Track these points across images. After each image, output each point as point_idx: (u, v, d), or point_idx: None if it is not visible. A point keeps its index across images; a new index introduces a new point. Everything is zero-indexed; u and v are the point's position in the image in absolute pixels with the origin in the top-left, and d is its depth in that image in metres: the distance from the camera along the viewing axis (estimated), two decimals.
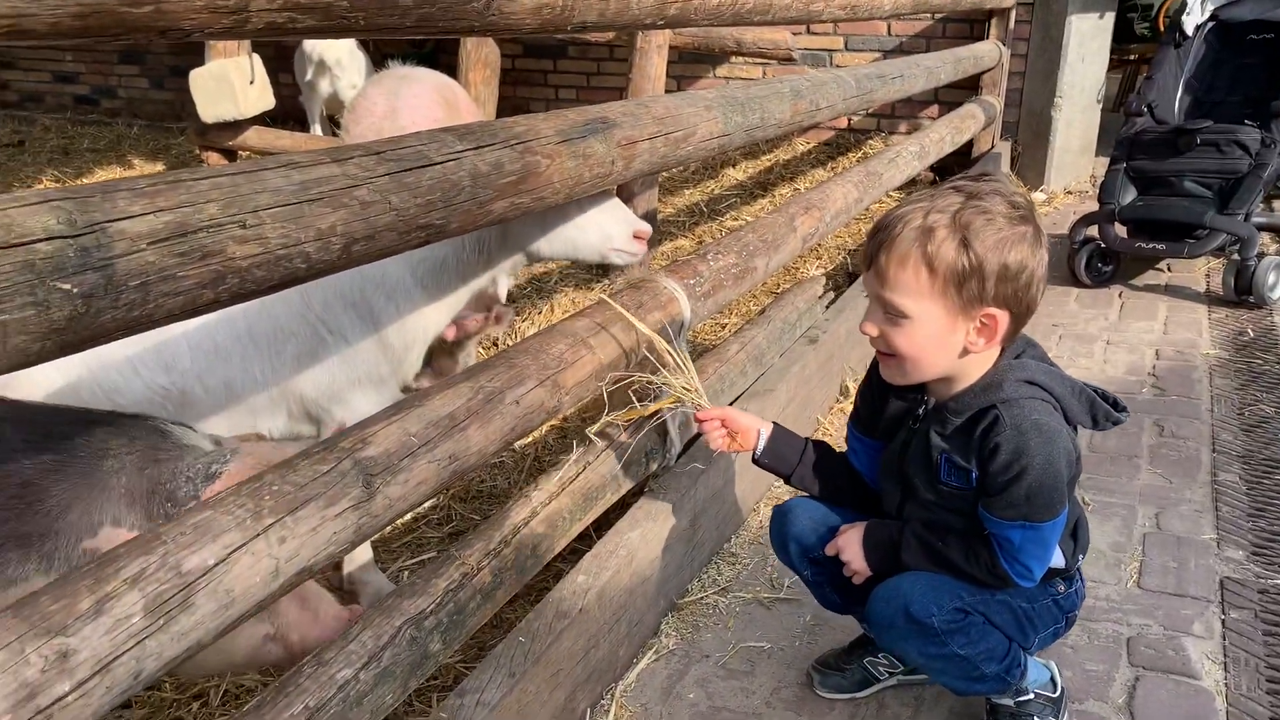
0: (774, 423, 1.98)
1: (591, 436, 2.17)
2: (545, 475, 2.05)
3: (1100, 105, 5.94)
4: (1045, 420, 1.56)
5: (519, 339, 3.82)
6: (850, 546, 1.80)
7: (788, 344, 3.09)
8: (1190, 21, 4.42)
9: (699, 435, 2.56)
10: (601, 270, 4.56)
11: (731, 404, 2.71)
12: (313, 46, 5.99)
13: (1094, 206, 4.57)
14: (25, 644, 1.02)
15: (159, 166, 6.85)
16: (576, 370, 1.89)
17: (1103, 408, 1.67)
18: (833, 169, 6.10)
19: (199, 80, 5.30)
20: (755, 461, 1.97)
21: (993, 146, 5.79)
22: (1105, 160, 4.65)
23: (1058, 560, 1.74)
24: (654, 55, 4.46)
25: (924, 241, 1.52)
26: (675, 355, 2.03)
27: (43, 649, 1.03)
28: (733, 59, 6.51)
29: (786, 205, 3.06)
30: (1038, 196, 5.86)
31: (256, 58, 5.47)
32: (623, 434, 2.23)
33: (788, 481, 1.99)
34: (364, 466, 1.42)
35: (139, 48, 8.38)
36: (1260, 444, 3.05)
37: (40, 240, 0.96)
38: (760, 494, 2.80)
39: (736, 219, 5.32)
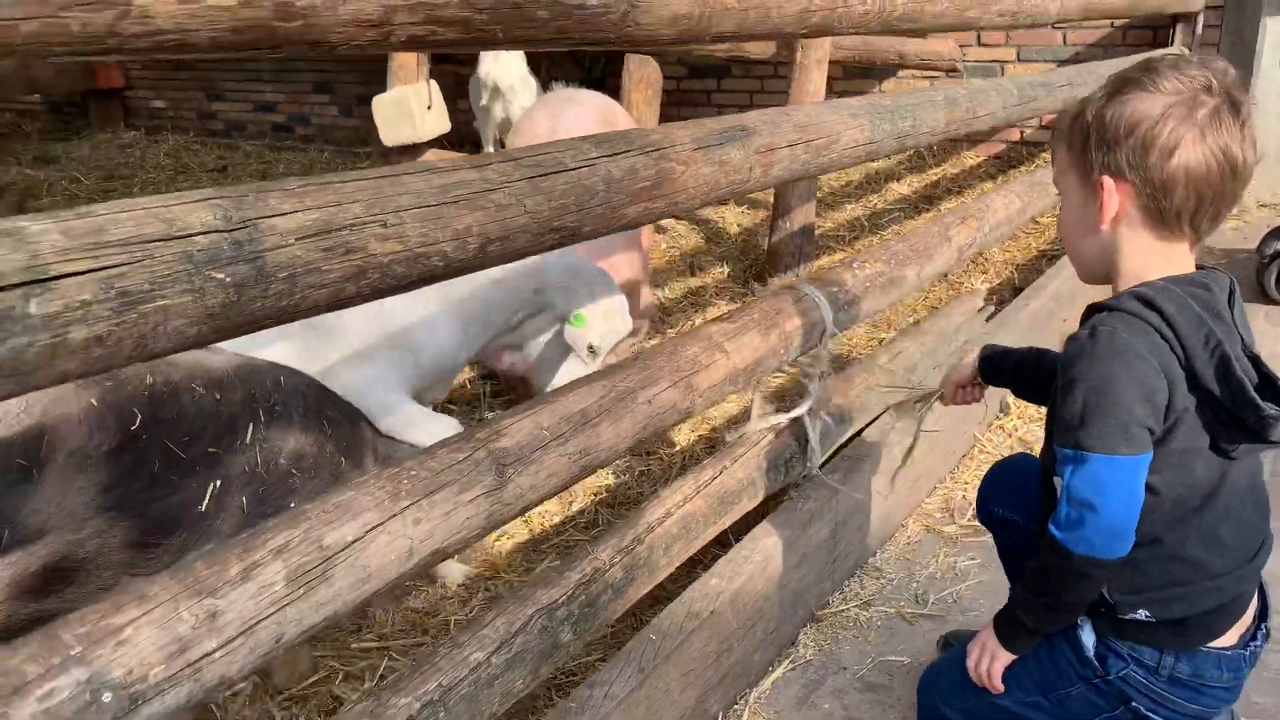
0: (981, 347, 1.92)
1: (728, 440, 2.18)
2: (681, 478, 2.08)
3: None
4: (1124, 337, 1.35)
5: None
6: (980, 654, 1.57)
7: (943, 357, 3.02)
8: None
9: (843, 446, 2.54)
10: (757, 282, 4.57)
11: (877, 418, 2.67)
12: (487, 73, 6.24)
13: None
14: (179, 603, 1.12)
15: None
16: (710, 373, 1.92)
17: (1237, 381, 1.34)
18: (1003, 183, 5.90)
19: (380, 106, 5.61)
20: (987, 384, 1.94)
21: None
22: None
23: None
24: (813, 70, 4.45)
25: (1064, 115, 1.51)
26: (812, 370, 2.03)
27: (194, 608, 1.13)
28: (899, 74, 6.40)
29: (942, 215, 2.99)
30: None
31: (434, 84, 5.75)
32: (762, 441, 2.23)
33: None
34: (497, 456, 1.48)
35: (330, 79, 8.94)
36: None
37: (198, 234, 1.06)
38: (911, 509, 2.74)
39: (899, 234, 5.23)
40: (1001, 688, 1.54)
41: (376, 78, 7.90)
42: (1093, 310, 1.44)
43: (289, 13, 1.10)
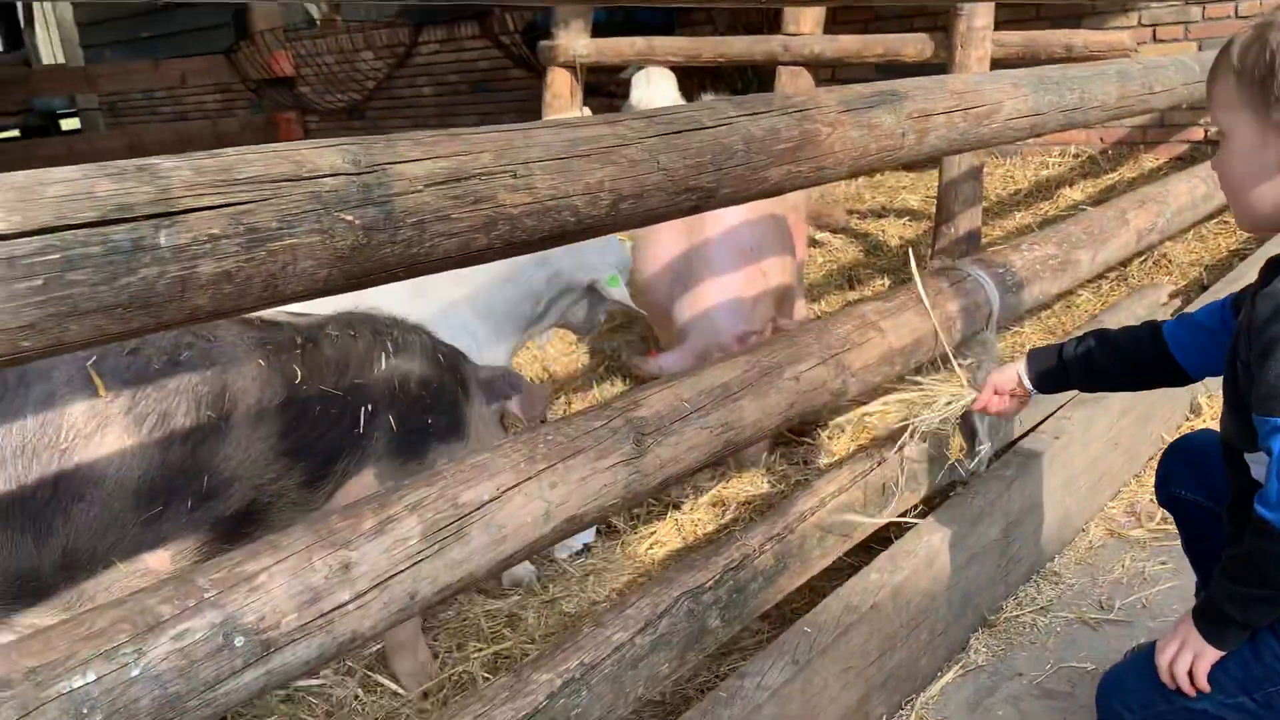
0: (1028, 351, 1.78)
1: (872, 422, 2.07)
2: (837, 468, 1.97)
3: None
4: None
5: None
6: (1179, 652, 1.40)
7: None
8: None
9: (1017, 440, 2.37)
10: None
11: (1055, 411, 2.49)
12: (639, 98, 6.30)
13: None
14: (313, 553, 1.11)
15: None
16: (864, 352, 1.82)
17: None
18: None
19: None
20: (1039, 391, 1.77)
21: None
22: None
23: None
24: (974, 69, 4.28)
25: (1230, 49, 1.34)
26: (957, 363, 1.88)
27: (328, 559, 1.11)
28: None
29: (1119, 199, 2.79)
30: None
31: (589, 111, 5.85)
32: (925, 430, 2.10)
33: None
34: (635, 425, 1.43)
35: (492, 119, 9.23)
36: None
37: (326, 175, 1.05)
38: (1092, 512, 2.54)
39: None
40: (1208, 688, 1.37)
41: (535, 115, 8.12)
42: (1278, 264, 1.29)
43: None
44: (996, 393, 1.77)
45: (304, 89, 9.96)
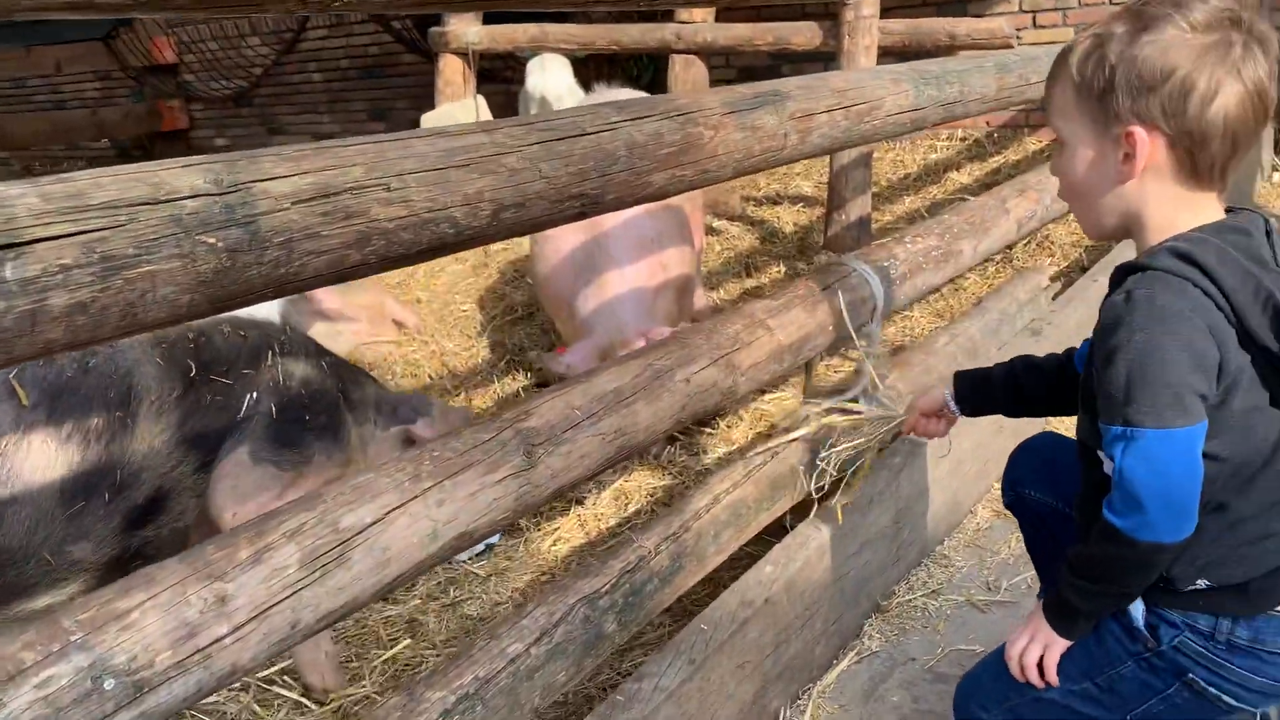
0: (954, 375, 1.77)
1: (777, 423, 2.09)
2: (731, 465, 1.99)
3: None
4: (1165, 299, 1.22)
5: None
6: (1029, 644, 1.41)
7: (1007, 337, 2.89)
8: None
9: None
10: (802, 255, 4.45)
11: None
12: (535, 84, 6.25)
13: None
14: (187, 587, 1.07)
15: None
16: (753, 351, 1.83)
17: None
18: None
19: (429, 123, 5.65)
20: (964, 415, 1.76)
21: None
22: None
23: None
24: (861, 58, 4.34)
25: (1068, 58, 1.32)
26: (866, 352, 1.92)
27: (203, 592, 1.08)
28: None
29: (999, 187, 2.87)
30: None
31: (482, 100, 5.78)
32: (815, 424, 2.13)
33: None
34: (526, 436, 1.42)
35: (383, 105, 9.04)
36: None
37: (187, 197, 1.01)
38: (979, 495, 2.62)
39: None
40: (1056, 680, 1.40)
41: (428, 102, 8.01)
42: (1124, 272, 1.30)
43: None
44: (924, 415, 1.78)
45: (188, 76, 9.62)
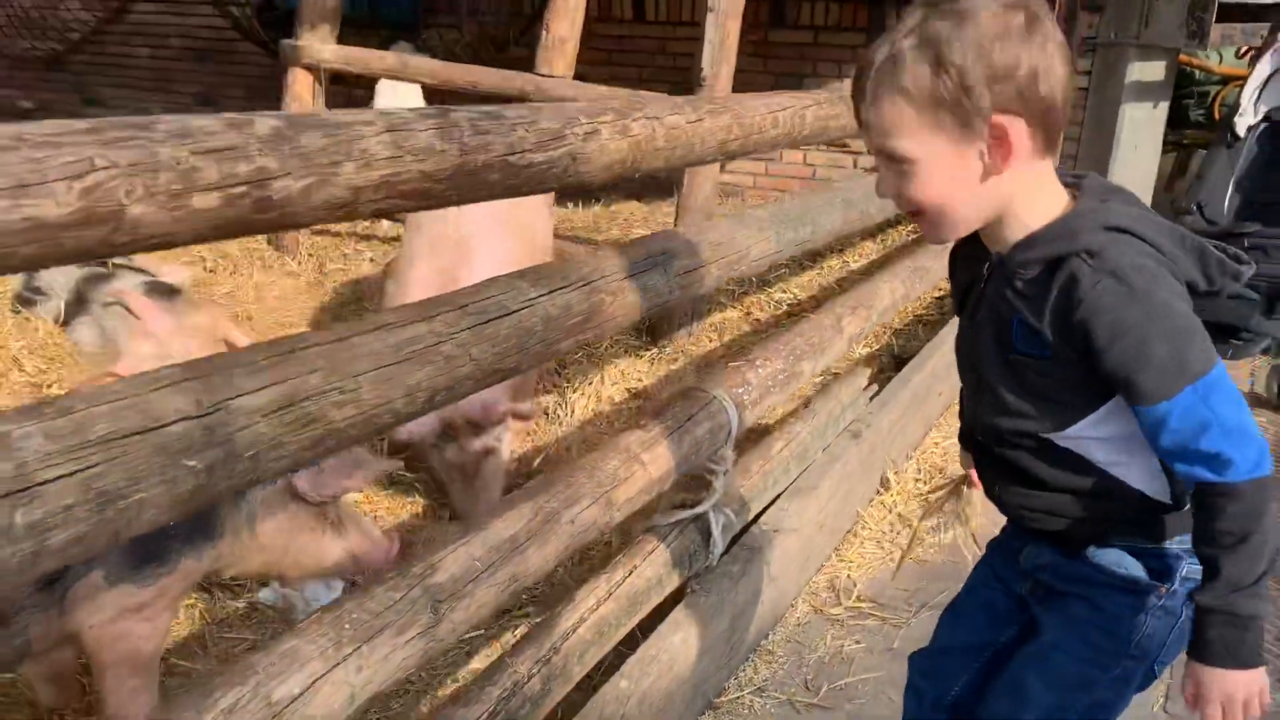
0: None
1: (638, 536, 2.28)
2: (593, 579, 2.16)
3: (1152, 193, 5.98)
4: (1141, 261, 1.27)
5: (569, 410, 3.96)
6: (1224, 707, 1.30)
7: (830, 437, 3.18)
8: (1243, 123, 4.48)
9: (741, 533, 2.66)
10: (650, 337, 4.67)
11: (772, 503, 2.81)
12: (385, 105, 6.22)
13: None
14: None
15: None
16: (629, 486, 2.01)
17: (1215, 257, 1.34)
18: (882, 240, 6.18)
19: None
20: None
21: None
22: None
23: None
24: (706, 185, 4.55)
25: (893, 72, 1.28)
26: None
27: None
28: None
29: (833, 304, 3.16)
30: None
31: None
32: (669, 538, 2.33)
33: None
34: (433, 593, 1.54)
35: (215, 91, 8.69)
36: None
37: (172, 423, 1.09)
38: (800, 588, 2.88)
39: (785, 290, 5.43)
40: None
41: (262, 94, 7.75)
42: (1055, 264, 1.31)
43: (266, 207, 1.14)
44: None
45: None
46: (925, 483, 3.55)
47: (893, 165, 1.33)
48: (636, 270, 1.94)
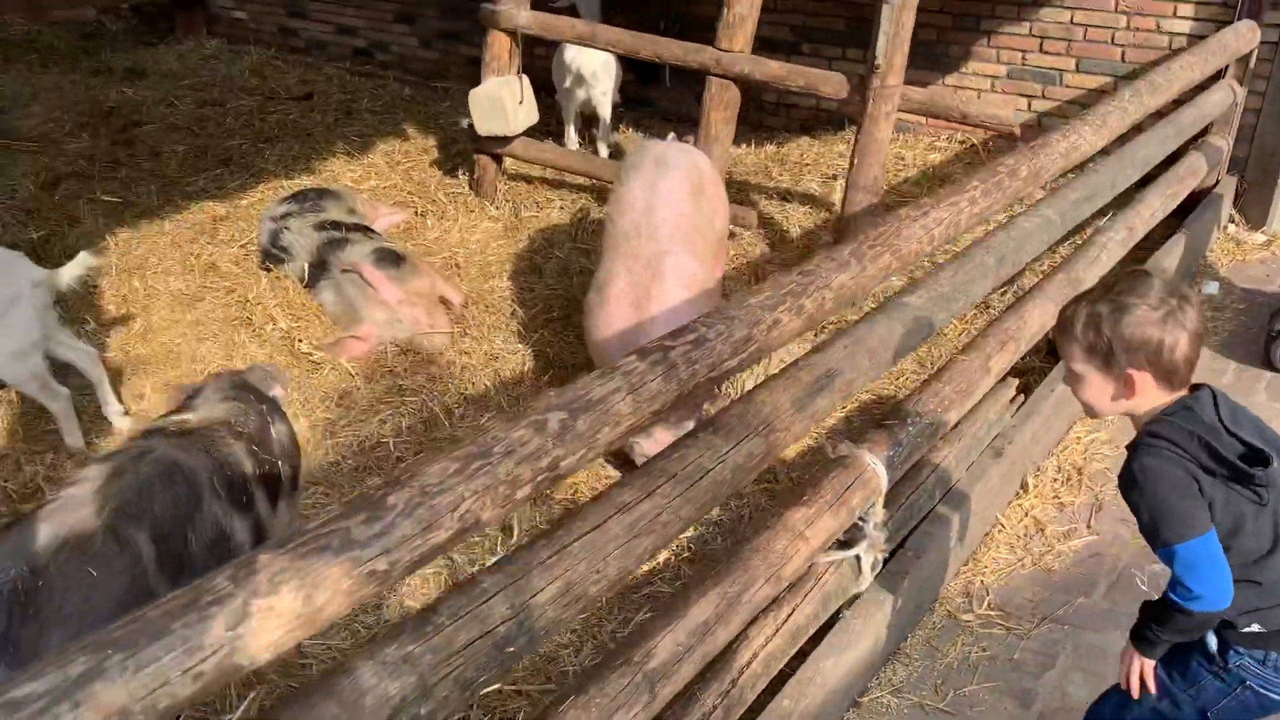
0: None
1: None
2: (762, 617, 2.72)
3: None
4: (1149, 462, 1.90)
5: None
6: (1127, 665, 2.09)
7: (974, 456, 3.58)
8: None
9: (887, 561, 3.17)
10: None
11: (916, 527, 3.27)
12: (572, 58, 6.63)
13: None
14: None
15: (430, 140, 7.66)
16: (794, 563, 2.54)
17: (1226, 463, 1.88)
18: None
19: (476, 99, 6.06)
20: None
21: (1216, 184, 5.85)
22: None
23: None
24: (883, 122, 4.87)
25: (1072, 328, 1.99)
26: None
27: None
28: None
29: (983, 341, 3.52)
30: (1258, 238, 5.91)
31: (525, 78, 6.17)
32: (825, 576, 2.86)
33: None
34: (650, 677, 2.13)
35: (411, 11, 9.24)
36: None
37: (499, 625, 1.69)
38: (936, 596, 3.37)
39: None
40: (1154, 686, 2.09)
41: (456, 14, 8.27)
42: (1131, 448, 1.98)
43: (557, 480, 1.70)
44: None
45: None
46: (1064, 482, 3.93)
47: (1071, 374, 2.05)
48: (806, 397, 2.41)
